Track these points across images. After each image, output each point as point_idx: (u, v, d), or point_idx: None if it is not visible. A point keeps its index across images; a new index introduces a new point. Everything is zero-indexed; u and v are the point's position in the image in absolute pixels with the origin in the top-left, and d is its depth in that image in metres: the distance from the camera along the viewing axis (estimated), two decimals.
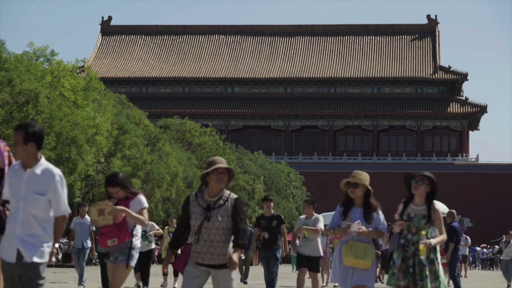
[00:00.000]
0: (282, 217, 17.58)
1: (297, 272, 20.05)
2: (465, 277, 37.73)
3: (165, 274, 22.41)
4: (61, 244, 48.15)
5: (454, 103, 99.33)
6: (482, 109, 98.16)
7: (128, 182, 10.06)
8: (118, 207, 9.84)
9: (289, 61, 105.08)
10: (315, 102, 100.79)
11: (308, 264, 16.89)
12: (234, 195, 8.44)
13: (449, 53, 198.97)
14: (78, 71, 57.32)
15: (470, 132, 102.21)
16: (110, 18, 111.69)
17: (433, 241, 9.67)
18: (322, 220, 16.77)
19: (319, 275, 17.46)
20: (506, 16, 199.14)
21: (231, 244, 8.30)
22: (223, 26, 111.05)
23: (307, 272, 17.11)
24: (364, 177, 9.73)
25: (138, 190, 10.27)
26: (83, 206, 21.40)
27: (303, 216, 17.13)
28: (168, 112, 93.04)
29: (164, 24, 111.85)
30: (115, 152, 48.85)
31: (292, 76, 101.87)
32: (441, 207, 23.32)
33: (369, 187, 9.75)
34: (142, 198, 10.03)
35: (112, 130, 46.00)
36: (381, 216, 9.74)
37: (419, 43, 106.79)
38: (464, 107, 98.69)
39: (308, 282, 19.08)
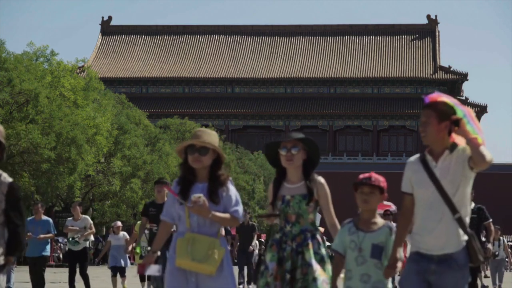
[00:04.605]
0: None
1: None
2: None
3: None
4: (61, 244, 48.17)
5: None
6: (482, 109, 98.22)
7: None
8: None
9: (289, 61, 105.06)
10: (315, 102, 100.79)
11: None
12: (8, 178, 6.20)
13: (449, 53, 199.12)
14: (78, 71, 57.34)
15: None
16: (110, 18, 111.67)
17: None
18: None
19: None
20: (506, 16, 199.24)
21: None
22: (223, 26, 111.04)
23: None
24: (214, 138, 6.74)
25: None
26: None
27: None
28: (168, 112, 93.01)
29: (164, 24, 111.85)
30: (115, 152, 48.88)
31: (292, 76, 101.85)
32: None
33: (221, 153, 6.75)
34: None
35: (112, 130, 46.03)
36: (233, 193, 6.70)
37: (419, 43, 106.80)
38: None
39: None
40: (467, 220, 5.98)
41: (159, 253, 6.87)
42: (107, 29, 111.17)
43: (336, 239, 6.64)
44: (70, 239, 17.89)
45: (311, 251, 6.76)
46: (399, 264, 6.19)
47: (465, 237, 5.95)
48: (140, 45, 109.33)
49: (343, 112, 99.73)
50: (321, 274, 6.69)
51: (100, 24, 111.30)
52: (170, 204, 6.74)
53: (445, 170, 5.96)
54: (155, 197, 13.95)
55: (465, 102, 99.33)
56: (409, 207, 6.12)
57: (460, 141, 6.00)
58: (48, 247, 17.50)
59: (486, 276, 31.79)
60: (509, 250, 26.26)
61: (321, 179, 7.04)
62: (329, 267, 6.77)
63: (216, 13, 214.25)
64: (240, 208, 6.71)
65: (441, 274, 5.94)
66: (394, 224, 6.90)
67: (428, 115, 5.98)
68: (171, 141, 59.25)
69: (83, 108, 42.96)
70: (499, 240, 25.04)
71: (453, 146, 5.99)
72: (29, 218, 17.56)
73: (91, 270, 33.73)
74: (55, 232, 17.77)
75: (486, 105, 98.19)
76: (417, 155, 6.14)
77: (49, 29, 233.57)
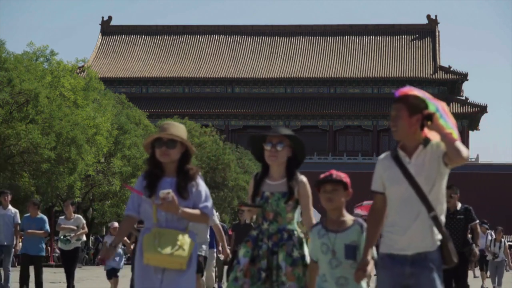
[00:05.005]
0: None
1: None
2: None
3: None
4: None
5: (454, 103, 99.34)
6: (482, 109, 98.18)
7: None
8: None
9: (289, 61, 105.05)
10: (315, 102, 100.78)
11: None
12: None
13: (449, 53, 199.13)
14: (78, 71, 57.35)
15: (470, 132, 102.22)
16: (110, 18, 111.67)
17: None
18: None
19: (203, 278, 13.23)
20: (506, 16, 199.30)
21: None
22: (223, 26, 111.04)
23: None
24: (182, 130, 6.53)
25: None
26: (4, 194, 17.50)
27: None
28: (168, 112, 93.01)
29: (164, 24, 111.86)
30: (115, 152, 48.86)
31: (292, 76, 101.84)
32: None
33: (190, 146, 6.54)
34: None
35: (112, 130, 46.01)
36: (203, 188, 6.46)
37: (419, 43, 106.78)
38: (464, 107, 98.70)
39: None
40: (443, 218, 5.68)
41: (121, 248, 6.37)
42: (107, 29, 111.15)
43: (310, 244, 6.30)
44: (62, 237, 17.58)
45: (285, 253, 6.51)
46: (369, 267, 5.83)
47: (440, 237, 5.64)
48: (140, 45, 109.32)
49: (343, 112, 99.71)
50: (290, 279, 6.46)
51: (100, 24, 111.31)
52: (135, 198, 6.46)
53: (420, 166, 5.66)
54: None
55: (465, 102, 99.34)
56: (380, 207, 5.82)
57: (432, 136, 5.70)
58: (43, 245, 17.29)
59: (475, 276, 31.80)
60: (508, 251, 25.62)
61: (303, 178, 6.68)
62: (300, 270, 6.49)
63: (216, 13, 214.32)
64: (209, 204, 6.44)
65: (417, 276, 5.61)
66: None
67: (399, 109, 5.69)
68: None
69: (83, 108, 42.94)
70: (501, 241, 24.60)
71: (426, 141, 5.69)
72: (25, 215, 17.42)
73: (92, 271, 33.71)
74: (48, 230, 17.41)
75: (486, 105, 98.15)
76: (388, 152, 5.86)
77: (49, 29, 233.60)
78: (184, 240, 6.26)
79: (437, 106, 5.66)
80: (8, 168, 39.76)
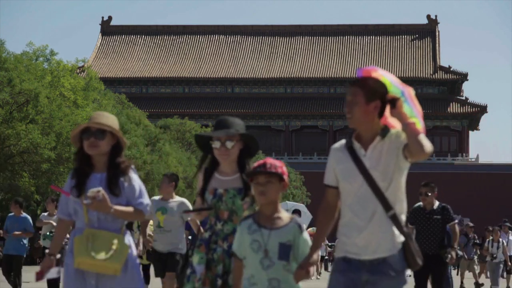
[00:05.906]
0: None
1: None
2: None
3: None
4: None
5: (454, 103, 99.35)
6: (482, 109, 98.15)
7: None
8: None
9: (289, 61, 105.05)
10: (315, 102, 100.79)
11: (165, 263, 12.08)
12: None
13: (449, 53, 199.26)
14: (78, 71, 57.36)
15: (470, 132, 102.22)
16: (110, 18, 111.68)
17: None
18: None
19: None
20: (506, 16, 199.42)
21: None
22: (223, 26, 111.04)
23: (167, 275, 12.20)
24: (113, 120, 5.96)
25: None
26: None
27: (157, 197, 12.24)
28: (168, 112, 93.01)
29: (164, 24, 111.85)
30: None
31: (292, 76, 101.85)
32: None
33: (121, 137, 5.92)
34: None
35: None
36: (136, 183, 5.86)
37: (419, 43, 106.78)
38: (464, 107, 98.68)
39: None
40: (403, 218, 5.04)
41: (58, 255, 6.00)
42: (107, 29, 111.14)
43: (236, 239, 5.54)
44: (48, 233, 16.89)
45: None
46: (313, 268, 5.25)
47: (401, 238, 5.01)
48: (140, 45, 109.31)
49: (343, 112, 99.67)
50: None
51: (100, 24, 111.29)
52: (64, 199, 5.91)
53: (376, 159, 5.00)
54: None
55: (465, 102, 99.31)
56: (332, 202, 5.17)
57: (394, 123, 5.05)
58: (24, 246, 17.09)
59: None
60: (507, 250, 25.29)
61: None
62: None
63: (216, 13, 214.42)
64: (145, 200, 5.84)
65: (374, 283, 4.97)
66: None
67: (355, 93, 5.17)
68: (171, 141, 59.25)
69: (83, 108, 42.95)
70: (499, 241, 24.31)
71: (385, 130, 5.03)
72: (9, 215, 17.25)
73: None
74: (33, 231, 17.24)
75: (486, 105, 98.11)
76: (343, 142, 5.27)
77: (49, 29, 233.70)
78: (119, 244, 5.73)
79: (403, 91, 5.00)
80: (8, 168, 39.76)
